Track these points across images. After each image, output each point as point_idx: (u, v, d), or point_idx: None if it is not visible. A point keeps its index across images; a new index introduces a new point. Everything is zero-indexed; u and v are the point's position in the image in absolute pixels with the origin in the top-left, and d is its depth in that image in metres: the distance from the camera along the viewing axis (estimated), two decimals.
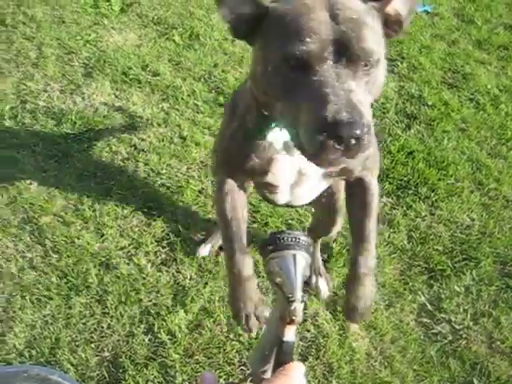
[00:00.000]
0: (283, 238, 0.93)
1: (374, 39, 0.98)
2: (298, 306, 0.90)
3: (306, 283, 0.95)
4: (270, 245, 0.94)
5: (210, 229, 2.33)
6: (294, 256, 0.92)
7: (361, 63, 0.96)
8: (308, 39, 0.93)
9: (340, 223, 1.95)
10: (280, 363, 0.90)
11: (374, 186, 1.42)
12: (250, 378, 0.96)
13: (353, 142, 0.89)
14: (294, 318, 0.90)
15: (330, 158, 0.93)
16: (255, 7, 1.03)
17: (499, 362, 2.15)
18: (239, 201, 1.39)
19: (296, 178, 1.37)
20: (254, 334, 1.56)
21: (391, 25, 1.08)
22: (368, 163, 1.37)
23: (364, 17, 0.98)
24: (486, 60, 3.96)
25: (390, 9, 1.07)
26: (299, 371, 0.85)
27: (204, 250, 2.25)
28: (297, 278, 0.91)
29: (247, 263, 1.33)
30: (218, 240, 2.25)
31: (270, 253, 0.93)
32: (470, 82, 3.67)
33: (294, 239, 0.93)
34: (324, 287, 2.23)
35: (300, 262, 0.92)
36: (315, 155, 0.95)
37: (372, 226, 1.39)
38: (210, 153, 2.68)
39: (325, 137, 0.90)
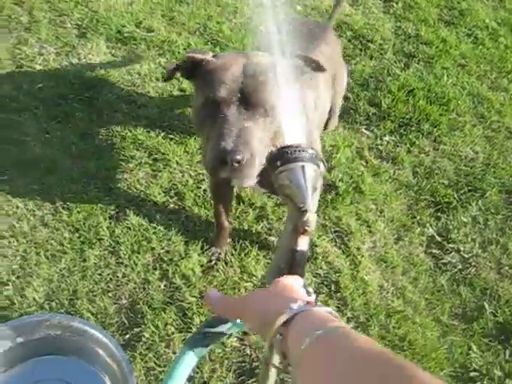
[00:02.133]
0: (291, 152, 0.94)
1: (271, 90, 1.27)
2: (310, 216, 0.91)
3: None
4: (278, 159, 0.95)
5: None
6: (303, 167, 0.93)
7: (258, 108, 1.28)
8: (220, 88, 1.28)
9: (335, 123, 2.45)
10: (293, 274, 0.92)
11: None
12: None
13: (235, 165, 1.22)
14: (307, 227, 0.91)
15: (223, 175, 1.28)
16: (195, 60, 1.41)
17: (508, 286, 2.19)
18: (225, 205, 2.01)
19: None
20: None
21: None
22: None
23: (266, 72, 1.30)
24: None
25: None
26: (297, 281, 0.87)
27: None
28: (307, 188, 0.92)
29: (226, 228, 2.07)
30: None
31: (278, 167, 0.94)
32: (467, 17, 3.62)
33: (301, 151, 0.94)
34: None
35: (309, 172, 0.93)
36: (214, 172, 1.32)
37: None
38: None
39: (217, 160, 1.24)
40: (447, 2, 3.77)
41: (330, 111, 2.26)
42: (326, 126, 2.36)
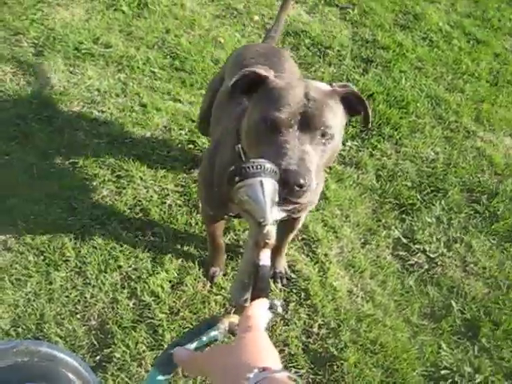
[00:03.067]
0: (249, 167, 0.95)
1: (332, 117, 1.27)
2: (270, 229, 0.92)
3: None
4: (236, 175, 0.95)
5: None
6: (261, 182, 0.94)
7: (318, 133, 1.24)
8: (282, 109, 1.24)
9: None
10: (257, 289, 0.93)
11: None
12: (234, 310, 0.98)
13: (296, 188, 1.15)
14: (267, 240, 0.92)
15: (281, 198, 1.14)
16: (256, 76, 1.35)
17: (474, 283, 2.23)
18: (219, 225, 1.98)
19: None
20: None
21: (354, 106, 1.36)
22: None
23: (327, 99, 1.29)
24: None
25: (350, 98, 1.35)
26: (260, 308, 0.87)
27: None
28: (266, 203, 0.93)
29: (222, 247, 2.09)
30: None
31: (237, 182, 0.95)
32: (421, 21, 3.71)
33: (259, 167, 0.95)
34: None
35: (267, 187, 0.94)
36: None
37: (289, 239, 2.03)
38: (174, 122, 2.68)
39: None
40: (401, 7, 3.84)
41: None
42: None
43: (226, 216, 1.84)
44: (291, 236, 2.02)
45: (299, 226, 2.01)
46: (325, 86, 1.36)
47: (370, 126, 1.41)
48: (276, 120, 1.24)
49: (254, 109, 1.34)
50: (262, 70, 1.36)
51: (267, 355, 0.77)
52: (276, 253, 2.07)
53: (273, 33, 2.30)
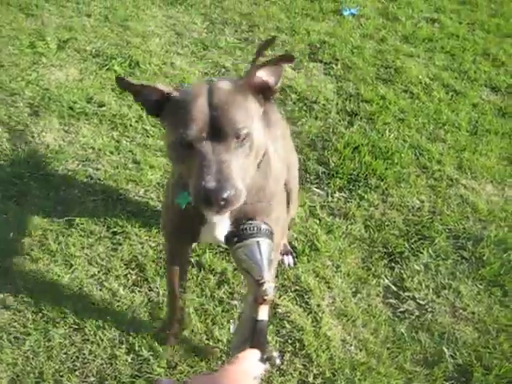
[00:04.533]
0: (246, 229, 1.02)
1: (242, 116, 1.25)
2: (268, 286, 0.99)
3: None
4: (234, 237, 1.03)
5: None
6: (258, 243, 1.01)
7: (232, 138, 1.23)
8: (188, 126, 1.23)
9: (295, 208, 2.32)
10: (256, 343, 0.99)
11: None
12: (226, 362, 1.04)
13: (222, 203, 1.16)
14: (265, 297, 0.99)
15: (212, 212, 1.23)
16: (159, 96, 1.32)
17: (464, 328, 2.29)
18: (182, 264, 1.97)
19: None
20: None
21: (263, 92, 1.35)
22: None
23: (233, 98, 1.27)
24: (413, 53, 4.19)
25: (257, 81, 1.33)
26: (250, 358, 0.93)
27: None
28: (263, 262, 1.00)
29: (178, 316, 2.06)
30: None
31: (235, 243, 1.02)
32: (402, 74, 3.87)
33: (255, 228, 1.02)
34: (290, 260, 2.45)
35: (264, 247, 1.01)
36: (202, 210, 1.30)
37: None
38: (167, 178, 2.76)
39: (202, 201, 1.20)
40: (383, 61, 4.02)
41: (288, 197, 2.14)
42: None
43: (189, 247, 1.93)
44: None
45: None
46: (227, 84, 1.32)
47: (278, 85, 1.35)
48: (186, 138, 1.23)
49: (168, 131, 1.34)
50: (162, 86, 1.34)
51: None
52: None
53: None
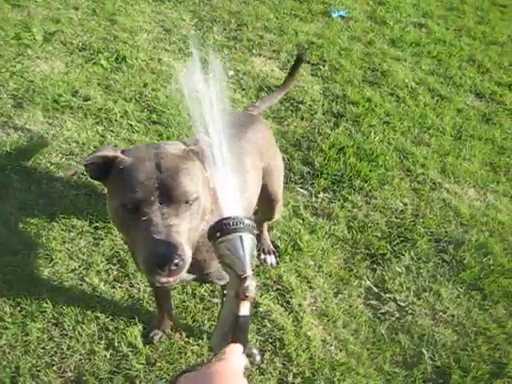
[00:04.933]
0: (229, 223, 1.01)
1: (190, 181, 1.25)
2: (250, 283, 0.98)
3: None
4: (217, 231, 1.02)
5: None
6: (241, 237, 1.00)
7: (181, 202, 1.23)
8: (137, 189, 1.20)
9: (279, 210, 2.32)
10: (237, 339, 0.98)
11: None
12: (214, 359, 1.03)
13: (172, 267, 1.17)
14: (247, 293, 0.98)
15: (161, 279, 1.23)
16: (105, 159, 1.29)
17: (443, 330, 2.30)
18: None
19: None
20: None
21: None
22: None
23: (181, 163, 1.27)
24: (400, 57, 4.21)
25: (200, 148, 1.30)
26: (236, 353, 0.93)
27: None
28: (246, 257, 0.99)
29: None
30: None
31: (218, 238, 1.01)
32: (388, 78, 3.89)
33: (238, 223, 1.01)
34: (272, 260, 2.45)
35: (247, 242, 1.00)
36: (151, 277, 1.26)
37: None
38: None
39: (152, 268, 1.19)
40: (370, 64, 4.04)
41: (272, 201, 2.20)
42: (270, 216, 2.32)
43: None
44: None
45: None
46: (177, 149, 1.31)
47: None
48: (134, 202, 1.20)
49: (111, 194, 1.29)
50: (108, 151, 1.29)
51: (234, 382, 0.83)
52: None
53: (258, 103, 2.29)
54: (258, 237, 2.40)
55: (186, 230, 1.23)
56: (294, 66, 2.37)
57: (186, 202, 1.23)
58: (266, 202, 2.15)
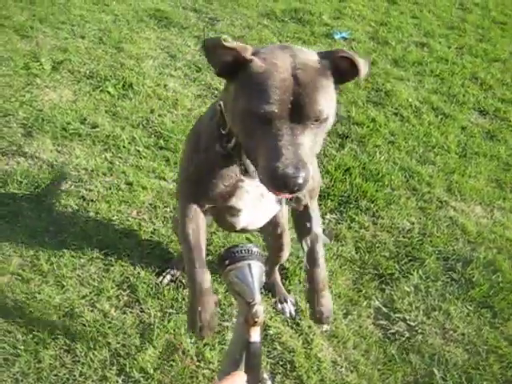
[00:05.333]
0: (237, 251, 1.04)
1: (325, 100, 1.19)
2: (258, 308, 1.01)
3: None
4: (226, 259, 1.04)
5: (168, 259, 2.46)
6: (249, 265, 1.03)
7: (312, 120, 1.18)
8: (272, 102, 1.15)
9: (288, 250, 2.23)
10: (249, 365, 1.00)
11: (317, 212, 1.72)
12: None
13: (295, 188, 1.15)
14: (256, 319, 1.00)
15: (280, 195, 1.24)
16: (235, 57, 1.22)
17: (454, 349, 2.30)
18: (201, 226, 1.58)
19: (257, 201, 1.58)
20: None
21: (345, 73, 1.27)
22: (312, 194, 1.67)
23: (319, 79, 1.20)
24: (403, 76, 4.26)
25: (343, 64, 1.25)
26: (241, 379, 0.95)
27: (164, 280, 2.38)
28: (254, 284, 1.02)
29: (206, 279, 1.50)
30: (176, 270, 2.39)
31: (227, 266, 1.04)
32: (392, 97, 3.93)
33: (246, 251, 1.04)
34: (291, 310, 2.36)
35: (255, 269, 1.03)
36: (271, 190, 1.23)
37: (319, 247, 1.65)
38: (159, 199, 2.78)
39: (275, 182, 1.17)
40: (373, 85, 4.08)
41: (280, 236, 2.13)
42: (279, 253, 2.23)
43: (211, 199, 1.56)
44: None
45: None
46: (312, 59, 1.24)
47: (363, 75, 1.26)
48: (266, 113, 1.16)
49: (240, 96, 1.24)
50: (240, 50, 1.21)
51: None
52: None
53: None
54: (271, 285, 2.37)
55: (311, 149, 1.21)
56: None
57: (316, 121, 1.19)
58: (272, 234, 2.09)
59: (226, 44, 1.20)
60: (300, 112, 1.17)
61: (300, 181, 1.14)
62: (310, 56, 1.25)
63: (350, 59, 1.24)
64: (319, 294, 1.64)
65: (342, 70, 1.25)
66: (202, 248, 1.55)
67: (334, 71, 1.24)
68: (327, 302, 1.67)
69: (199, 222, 1.57)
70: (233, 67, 1.23)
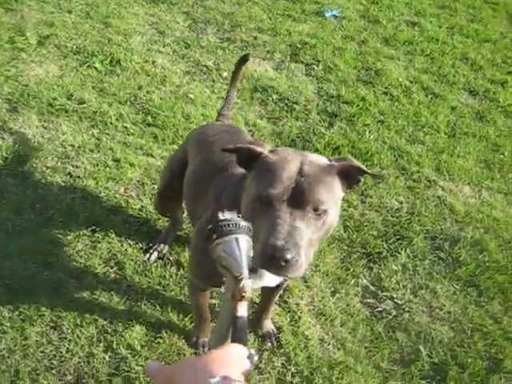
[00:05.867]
0: (225, 225, 1.02)
1: (326, 193, 1.29)
2: (246, 283, 0.99)
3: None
4: (213, 233, 1.03)
5: (154, 236, 2.45)
6: (237, 239, 1.01)
7: (310, 208, 1.27)
8: (275, 184, 1.28)
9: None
10: (236, 340, 0.99)
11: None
12: None
13: (282, 263, 1.21)
14: (244, 294, 0.99)
15: (270, 270, 1.30)
16: (252, 153, 1.38)
17: (440, 327, 2.32)
18: (206, 296, 1.96)
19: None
20: None
21: (353, 177, 1.40)
22: None
23: (322, 174, 1.31)
24: (394, 55, 4.23)
25: (347, 169, 1.37)
26: (237, 350, 0.94)
27: (152, 257, 2.38)
28: (242, 258, 1.00)
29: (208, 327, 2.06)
30: (163, 245, 2.40)
31: (214, 240, 1.02)
32: (382, 77, 3.90)
33: (234, 225, 1.02)
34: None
35: (243, 243, 1.01)
36: (262, 266, 1.30)
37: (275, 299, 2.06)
38: (147, 176, 2.75)
39: (266, 257, 1.23)
40: (364, 63, 4.05)
41: None
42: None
43: (216, 288, 1.76)
44: (275, 299, 2.10)
45: (281, 291, 2.11)
46: (322, 160, 1.38)
47: (376, 180, 1.38)
48: (269, 196, 1.27)
49: (252, 185, 1.38)
50: (257, 147, 1.39)
51: (232, 369, 0.83)
52: (262, 314, 2.15)
53: (225, 110, 2.34)
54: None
55: (307, 238, 1.27)
56: (238, 65, 2.35)
57: (315, 210, 1.27)
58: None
59: (248, 147, 1.40)
60: (299, 198, 1.27)
61: (288, 256, 1.20)
62: (320, 158, 1.38)
63: (356, 167, 1.38)
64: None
65: (350, 175, 1.39)
66: (207, 311, 2.02)
67: (342, 176, 1.36)
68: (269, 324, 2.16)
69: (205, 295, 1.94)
70: (250, 160, 1.40)
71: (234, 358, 0.90)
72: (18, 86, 3.26)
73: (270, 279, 1.59)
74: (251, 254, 1.05)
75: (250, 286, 1.00)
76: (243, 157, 1.42)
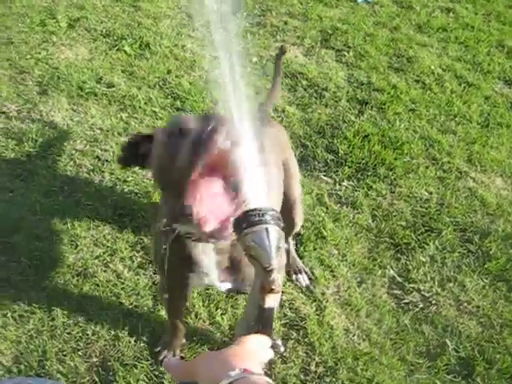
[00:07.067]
0: (254, 215, 1.00)
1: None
2: (276, 275, 0.97)
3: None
4: (243, 222, 1.01)
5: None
6: (267, 229, 0.99)
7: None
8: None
9: (300, 220, 2.19)
10: (261, 331, 0.98)
11: None
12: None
13: (190, 217, 1.16)
14: (273, 287, 0.97)
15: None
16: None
17: (467, 321, 2.28)
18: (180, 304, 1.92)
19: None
20: None
21: None
22: None
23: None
24: (427, 42, 4.14)
25: None
26: (260, 341, 0.93)
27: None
28: (271, 249, 0.98)
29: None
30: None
31: (244, 229, 1.00)
32: (414, 64, 3.83)
33: (264, 214, 1.00)
34: (305, 281, 2.32)
35: (273, 234, 0.99)
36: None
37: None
38: None
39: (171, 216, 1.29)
40: (395, 50, 3.97)
41: (292, 205, 2.06)
42: (292, 226, 2.14)
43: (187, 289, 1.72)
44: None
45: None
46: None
47: None
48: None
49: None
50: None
51: (252, 362, 0.83)
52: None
53: (265, 106, 2.27)
54: (286, 255, 2.22)
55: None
56: (277, 59, 2.36)
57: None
58: (284, 208, 1.95)
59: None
60: None
61: (187, 210, 1.16)
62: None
63: None
64: None
65: None
66: (182, 330, 1.98)
67: None
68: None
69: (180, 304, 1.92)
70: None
71: (255, 351, 0.89)
72: (49, 68, 3.28)
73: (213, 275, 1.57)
74: (282, 245, 1.03)
75: (281, 278, 0.99)
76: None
